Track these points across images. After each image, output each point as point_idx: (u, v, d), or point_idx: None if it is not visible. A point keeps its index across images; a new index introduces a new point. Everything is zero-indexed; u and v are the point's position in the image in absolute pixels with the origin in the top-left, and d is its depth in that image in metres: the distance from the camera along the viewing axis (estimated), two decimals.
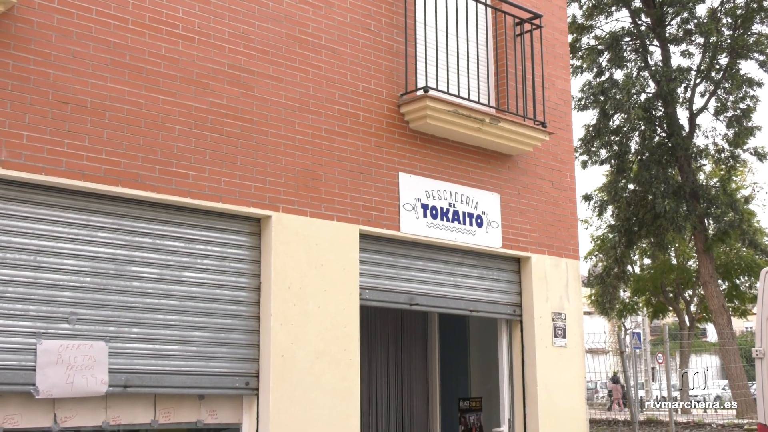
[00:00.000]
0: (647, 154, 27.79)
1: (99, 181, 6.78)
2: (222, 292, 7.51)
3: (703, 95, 28.58)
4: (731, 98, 28.04)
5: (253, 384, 7.55)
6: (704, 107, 28.52)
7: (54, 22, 6.73)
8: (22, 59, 6.51)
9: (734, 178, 31.57)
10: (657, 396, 35.27)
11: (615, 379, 37.78)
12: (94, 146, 6.79)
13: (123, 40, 7.09)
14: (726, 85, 27.87)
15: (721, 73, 27.92)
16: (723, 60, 28.02)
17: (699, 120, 28.56)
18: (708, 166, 31.23)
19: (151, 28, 7.28)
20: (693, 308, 36.47)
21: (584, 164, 28.87)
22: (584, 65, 28.82)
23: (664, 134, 28.17)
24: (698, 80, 28.34)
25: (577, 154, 27.58)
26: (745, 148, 28.26)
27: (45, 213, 6.62)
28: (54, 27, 6.72)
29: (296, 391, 7.65)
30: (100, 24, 6.98)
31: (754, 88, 27.93)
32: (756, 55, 27.82)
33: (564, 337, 10.18)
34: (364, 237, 8.53)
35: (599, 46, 29.05)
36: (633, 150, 28.64)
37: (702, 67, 28.07)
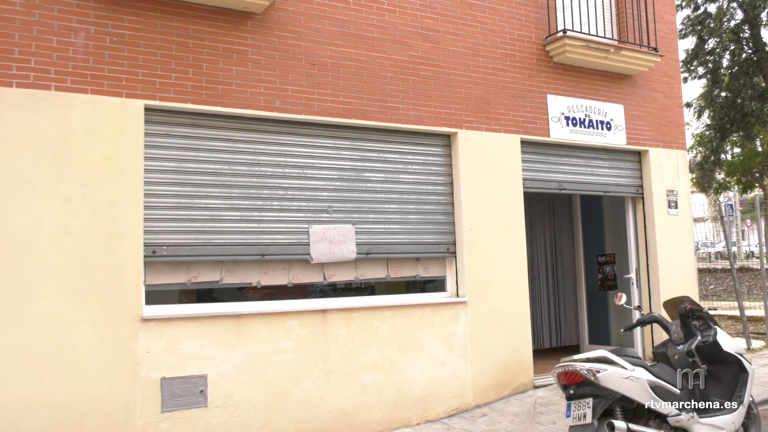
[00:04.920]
0: (736, 68, 25.30)
1: (340, 116, 6.93)
2: (426, 187, 7.57)
3: None
4: None
5: (452, 249, 7.62)
6: None
7: (301, 9, 6.82)
8: (283, 37, 6.68)
9: None
10: (746, 251, 32.83)
11: None
12: (335, 92, 6.91)
13: (347, 17, 7.11)
14: None
15: None
16: None
17: None
18: None
19: (366, 6, 7.24)
20: None
21: (685, 80, 26.63)
22: (684, 3, 26.34)
23: (750, 51, 25.47)
24: None
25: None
26: None
27: (306, 140, 6.86)
28: (301, 12, 6.82)
29: (481, 253, 7.67)
30: (332, 7, 7.02)
31: None
32: None
33: (676, 207, 9.59)
34: (524, 143, 8.29)
35: None
36: (725, 66, 26.16)
37: None
